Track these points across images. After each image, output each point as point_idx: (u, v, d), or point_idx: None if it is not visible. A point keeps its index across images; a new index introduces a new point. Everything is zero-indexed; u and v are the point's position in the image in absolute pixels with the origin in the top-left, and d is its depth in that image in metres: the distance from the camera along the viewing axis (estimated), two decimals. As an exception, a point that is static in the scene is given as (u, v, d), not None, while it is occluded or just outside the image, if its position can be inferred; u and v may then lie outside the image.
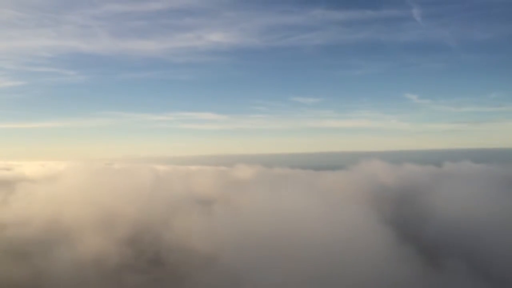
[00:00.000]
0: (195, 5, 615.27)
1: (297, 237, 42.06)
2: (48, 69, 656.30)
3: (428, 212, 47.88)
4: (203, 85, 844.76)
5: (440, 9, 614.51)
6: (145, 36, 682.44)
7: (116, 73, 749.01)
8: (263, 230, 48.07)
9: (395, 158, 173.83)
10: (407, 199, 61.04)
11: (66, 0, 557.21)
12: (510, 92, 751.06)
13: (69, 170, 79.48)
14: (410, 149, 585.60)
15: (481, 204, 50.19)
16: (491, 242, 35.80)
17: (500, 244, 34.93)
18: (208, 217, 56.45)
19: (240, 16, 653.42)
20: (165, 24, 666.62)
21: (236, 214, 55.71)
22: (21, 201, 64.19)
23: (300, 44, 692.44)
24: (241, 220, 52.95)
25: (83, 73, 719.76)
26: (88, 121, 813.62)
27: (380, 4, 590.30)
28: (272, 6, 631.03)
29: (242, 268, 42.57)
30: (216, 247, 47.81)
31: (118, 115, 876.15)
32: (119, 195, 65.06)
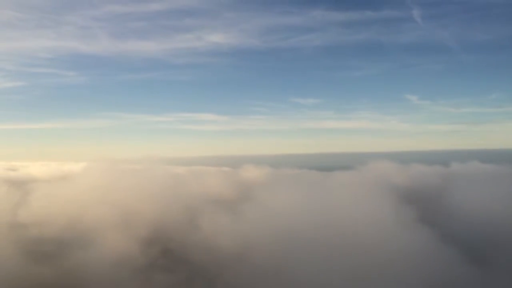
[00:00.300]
0: (195, 6, 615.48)
1: (327, 236, 42.18)
2: (48, 70, 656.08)
3: (454, 211, 48.05)
4: (203, 86, 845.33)
5: (440, 10, 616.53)
6: (145, 37, 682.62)
7: (116, 74, 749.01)
8: (290, 229, 48.18)
9: (398, 158, 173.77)
10: (427, 199, 61.19)
11: (66, 1, 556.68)
12: (510, 93, 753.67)
13: (84, 170, 79.51)
14: (411, 150, 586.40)
15: (505, 202, 50.47)
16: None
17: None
18: (230, 217, 56.56)
19: (240, 17, 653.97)
20: (165, 25, 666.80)
21: (259, 214, 55.81)
22: (38, 201, 64.07)
23: (300, 45, 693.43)
24: (266, 220, 53.06)
25: (83, 74, 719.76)
26: (88, 122, 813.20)
27: (380, 5, 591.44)
28: (272, 7, 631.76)
29: (271, 267, 42.75)
30: (243, 246, 47.96)
31: (118, 116, 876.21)
32: (136, 195, 65.10)
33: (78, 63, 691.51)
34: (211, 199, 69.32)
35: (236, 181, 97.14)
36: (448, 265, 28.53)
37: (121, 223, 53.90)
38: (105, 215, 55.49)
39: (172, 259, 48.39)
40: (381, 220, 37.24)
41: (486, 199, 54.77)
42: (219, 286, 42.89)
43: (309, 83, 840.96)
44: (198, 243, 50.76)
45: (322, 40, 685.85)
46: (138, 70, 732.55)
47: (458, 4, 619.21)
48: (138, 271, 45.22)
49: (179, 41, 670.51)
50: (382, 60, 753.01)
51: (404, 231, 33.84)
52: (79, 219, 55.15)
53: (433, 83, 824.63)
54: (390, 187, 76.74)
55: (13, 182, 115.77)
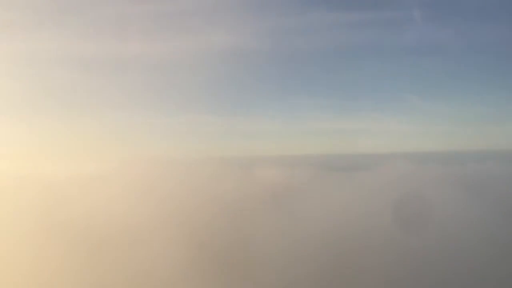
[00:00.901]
0: (196, 6, 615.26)
1: (386, 235, 42.22)
2: (48, 70, 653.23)
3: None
4: (204, 87, 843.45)
5: (440, 10, 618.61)
6: (146, 37, 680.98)
7: (116, 74, 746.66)
8: (341, 228, 48.22)
9: (405, 159, 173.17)
10: (476, 197, 61.03)
11: (66, 1, 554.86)
12: (510, 94, 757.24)
13: (116, 170, 79.36)
14: (413, 151, 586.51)
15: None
16: None
17: None
18: (273, 216, 56.59)
19: (241, 18, 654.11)
20: (166, 26, 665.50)
21: (305, 214, 55.90)
22: (78, 201, 63.77)
23: (301, 46, 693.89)
24: (313, 219, 53.19)
25: (84, 75, 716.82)
26: (89, 122, 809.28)
27: (380, 5, 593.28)
28: (273, 8, 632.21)
29: (323, 266, 42.71)
30: (293, 245, 47.97)
31: (118, 116, 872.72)
32: (175, 194, 65.12)
33: (79, 63, 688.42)
34: (246, 198, 69.18)
35: (261, 182, 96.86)
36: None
37: (168, 222, 53.67)
38: (150, 214, 55.33)
39: (222, 258, 48.00)
40: (448, 218, 37.19)
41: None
42: (270, 286, 42.67)
43: (310, 83, 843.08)
44: (245, 242, 50.60)
45: (323, 41, 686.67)
46: (139, 70, 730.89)
47: (459, 5, 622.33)
48: (189, 270, 44.84)
49: (181, 41, 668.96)
50: (383, 60, 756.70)
51: (484, 228, 33.72)
52: (126, 218, 54.92)
53: (434, 84, 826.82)
54: (423, 187, 76.75)
55: (29, 183, 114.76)
